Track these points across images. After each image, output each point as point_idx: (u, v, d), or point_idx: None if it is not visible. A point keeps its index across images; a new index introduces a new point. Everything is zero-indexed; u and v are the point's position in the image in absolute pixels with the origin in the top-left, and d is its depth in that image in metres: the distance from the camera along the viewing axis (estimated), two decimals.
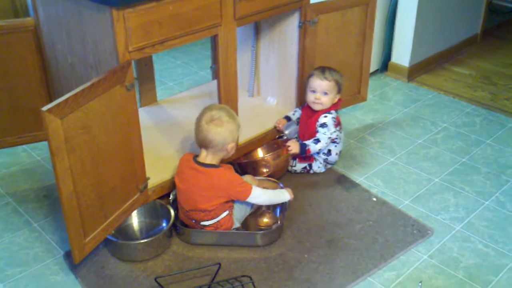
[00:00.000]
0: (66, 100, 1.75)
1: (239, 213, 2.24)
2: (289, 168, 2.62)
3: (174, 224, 2.21)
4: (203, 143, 2.15)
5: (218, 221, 2.18)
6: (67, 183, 1.84)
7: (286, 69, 2.79)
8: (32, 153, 2.81)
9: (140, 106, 2.89)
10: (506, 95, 3.41)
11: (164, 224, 2.25)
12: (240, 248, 2.19)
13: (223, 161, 2.27)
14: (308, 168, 2.63)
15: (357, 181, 2.60)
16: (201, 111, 2.20)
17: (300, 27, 2.60)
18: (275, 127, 2.70)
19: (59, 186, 1.82)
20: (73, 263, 2.03)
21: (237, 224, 2.24)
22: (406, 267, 2.11)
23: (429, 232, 2.28)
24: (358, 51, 2.88)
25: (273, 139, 2.72)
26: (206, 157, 2.17)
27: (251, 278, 2.02)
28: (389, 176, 2.64)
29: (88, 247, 2.02)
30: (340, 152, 2.68)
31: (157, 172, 2.30)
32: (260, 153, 2.70)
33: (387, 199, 2.47)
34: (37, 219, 2.37)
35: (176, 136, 2.64)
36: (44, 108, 1.70)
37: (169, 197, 2.31)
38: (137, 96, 2.68)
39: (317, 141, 2.54)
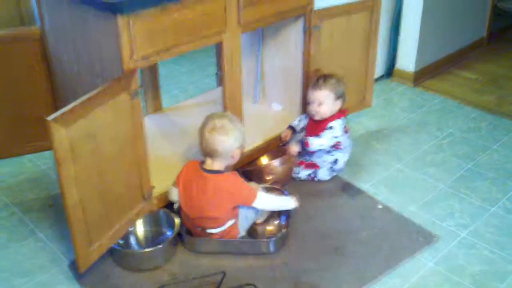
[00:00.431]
0: (71, 109, 1.76)
1: (245, 222, 2.24)
2: (294, 175, 2.62)
3: (179, 233, 2.21)
4: (209, 152, 2.15)
5: (224, 230, 2.18)
6: (72, 192, 1.84)
7: (291, 75, 2.79)
8: (38, 163, 2.82)
9: (145, 114, 2.89)
10: None
11: (169, 233, 2.25)
12: (245, 256, 2.18)
13: (228, 168, 2.27)
14: (313, 175, 2.62)
15: (362, 188, 2.59)
16: (203, 120, 2.19)
17: (304, 32, 2.60)
18: (280, 139, 2.69)
19: (64, 195, 1.83)
20: (78, 272, 2.03)
21: (242, 233, 2.24)
22: (412, 274, 2.10)
23: (434, 239, 2.27)
24: (363, 56, 2.88)
25: (277, 146, 2.72)
26: (213, 164, 2.17)
27: (256, 287, 2.02)
28: (394, 183, 2.63)
29: (93, 256, 2.03)
30: (347, 161, 2.67)
31: (162, 181, 2.30)
32: (264, 160, 2.69)
33: (392, 206, 2.46)
34: (42, 229, 2.37)
35: (182, 144, 2.64)
36: (49, 118, 1.70)
37: (173, 205, 2.31)
38: (142, 104, 2.68)
39: (319, 137, 2.53)
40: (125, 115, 2.01)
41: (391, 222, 2.36)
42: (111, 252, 2.14)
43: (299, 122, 2.73)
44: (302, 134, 2.70)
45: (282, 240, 2.22)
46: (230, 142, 2.14)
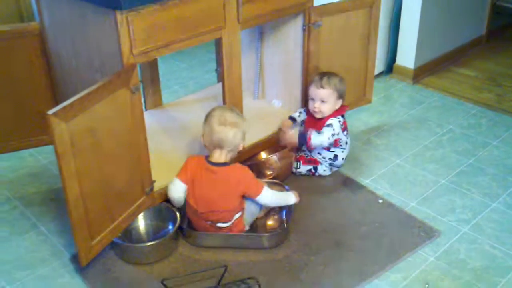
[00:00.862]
0: (71, 104, 1.76)
1: (249, 216, 2.25)
2: (294, 170, 2.62)
3: (180, 227, 2.21)
4: (218, 144, 2.16)
5: (232, 223, 2.18)
6: (73, 186, 1.85)
7: (291, 72, 2.79)
8: (39, 157, 2.82)
9: (145, 109, 2.90)
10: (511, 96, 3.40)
11: (170, 227, 2.25)
12: (246, 251, 2.19)
13: (232, 161, 2.27)
14: (313, 170, 2.62)
15: (363, 183, 2.59)
16: (210, 113, 2.20)
17: (304, 29, 2.60)
18: (279, 129, 2.69)
19: (65, 190, 1.83)
20: (80, 266, 2.03)
21: (247, 227, 2.25)
22: (413, 269, 2.10)
23: (435, 234, 2.27)
24: (363, 53, 2.88)
25: (277, 141, 2.71)
26: (220, 157, 2.18)
27: (257, 281, 2.02)
28: (395, 178, 2.64)
29: (95, 250, 2.03)
30: (347, 156, 2.67)
31: (163, 175, 2.29)
32: (264, 155, 2.69)
33: (393, 201, 2.47)
34: (44, 222, 2.38)
35: (182, 139, 2.64)
36: (50, 112, 1.70)
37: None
38: (142, 99, 2.68)
39: (320, 133, 2.53)
40: (125, 110, 2.01)
41: (392, 216, 2.37)
42: (113, 245, 2.15)
43: (300, 114, 2.73)
44: (302, 127, 2.70)
45: (283, 235, 2.23)
46: (240, 135, 2.18)
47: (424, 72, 3.66)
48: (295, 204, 2.31)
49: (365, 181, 2.61)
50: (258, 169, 2.48)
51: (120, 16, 1.89)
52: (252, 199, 2.20)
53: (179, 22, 2.07)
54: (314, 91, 2.55)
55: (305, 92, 2.71)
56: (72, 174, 1.83)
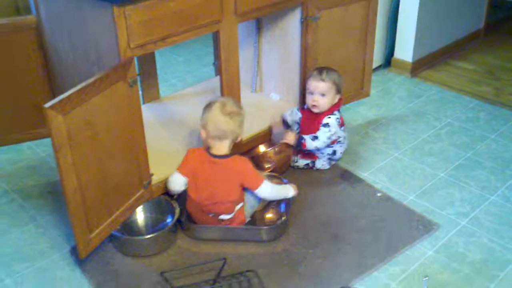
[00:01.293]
0: (69, 97, 1.76)
1: (249, 208, 2.25)
2: (292, 163, 2.62)
3: (179, 220, 2.21)
4: (220, 135, 2.16)
5: (234, 215, 2.19)
6: (70, 179, 1.84)
7: (289, 65, 2.78)
8: (37, 150, 2.82)
9: (143, 103, 2.89)
10: (510, 90, 3.40)
11: (169, 220, 2.24)
12: (245, 244, 2.19)
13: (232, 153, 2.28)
14: (311, 165, 2.62)
15: (361, 177, 2.59)
16: (210, 105, 2.20)
17: (302, 23, 2.59)
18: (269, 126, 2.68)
19: (63, 182, 1.83)
20: (79, 258, 2.03)
21: (247, 219, 2.26)
22: (412, 262, 2.11)
23: (434, 227, 2.27)
24: (361, 46, 2.87)
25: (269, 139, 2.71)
26: (221, 148, 2.18)
27: (256, 273, 2.02)
28: (393, 172, 2.64)
29: (94, 242, 2.03)
30: (345, 150, 2.67)
31: (161, 168, 2.29)
32: (262, 148, 2.69)
33: (391, 195, 2.46)
34: (42, 215, 2.37)
35: (180, 132, 2.64)
36: (47, 105, 1.70)
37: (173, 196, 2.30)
38: (140, 92, 2.68)
39: (315, 138, 2.53)
40: (123, 103, 2.00)
41: (390, 210, 2.37)
42: (112, 238, 2.15)
43: (292, 114, 2.70)
44: (296, 127, 2.69)
45: (281, 228, 2.23)
46: (242, 125, 2.21)
47: (422, 65, 3.65)
48: (293, 197, 2.31)
49: (364, 175, 2.61)
50: (256, 162, 2.48)
51: (117, 10, 1.88)
52: (251, 192, 2.20)
53: (176, 15, 2.06)
54: (313, 84, 2.54)
55: (303, 85, 2.71)
56: (70, 167, 1.82)
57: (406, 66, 3.58)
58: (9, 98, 2.40)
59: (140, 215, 2.28)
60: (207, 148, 2.20)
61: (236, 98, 2.42)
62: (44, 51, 2.38)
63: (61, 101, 1.73)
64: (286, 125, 2.68)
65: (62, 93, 1.77)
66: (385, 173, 2.63)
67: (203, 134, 2.20)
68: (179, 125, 2.71)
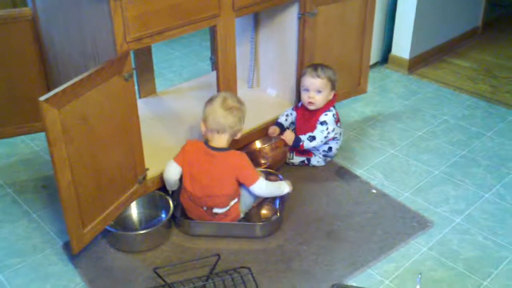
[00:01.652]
0: (64, 90, 1.75)
1: (244, 204, 2.24)
2: (287, 160, 2.61)
3: (173, 215, 2.21)
4: (220, 129, 2.16)
5: (228, 209, 2.18)
6: (65, 173, 1.83)
7: (286, 61, 2.77)
8: (31, 144, 2.81)
9: (139, 97, 2.88)
10: (506, 88, 3.40)
11: (163, 215, 2.24)
12: (239, 240, 2.18)
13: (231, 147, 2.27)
14: (306, 162, 2.62)
15: (356, 173, 2.59)
16: (212, 99, 2.21)
17: (299, 18, 2.58)
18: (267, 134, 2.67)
19: (57, 176, 1.82)
20: (71, 253, 2.02)
21: (241, 215, 2.25)
22: (406, 259, 2.11)
23: (429, 224, 2.27)
24: (358, 42, 2.87)
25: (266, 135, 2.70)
26: (220, 142, 2.18)
27: (250, 270, 2.01)
28: (389, 169, 2.63)
29: (87, 237, 2.02)
30: (340, 146, 2.67)
31: (156, 163, 2.29)
32: (258, 144, 2.68)
33: (386, 191, 2.46)
34: (36, 210, 2.36)
35: (176, 127, 2.63)
36: (42, 98, 1.69)
37: (169, 191, 2.30)
38: (136, 87, 2.67)
39: (313, 138, 2.52)
40: (118, 97, 1.99)
41: (385, 207, 2.36)
42: (105, 233, 2.14)
43: (287, 117, 2.68)
44: (293, 128, 2.68)
45: (276, 224, 2.22)
46: (242, 119, 2.22)
47: (419, 62, 3.65)
48: (288, 194, 2.30)
49: (359, 171, 2.61)
50: (252, 158, 2.47)
51: (113, 3, 1.86)
52: (247, 189, 2.19)
53: (173, 9, 2.05)
54: (309, 81, 2.54)
55: (300, 81, 2.70)
56: (64, 161, 1.82)
57: (403, 63, 3.58)
58: (3, 91, 2.39)
59: (134, 210, 2.27)
60: (206, 141, 2.20)
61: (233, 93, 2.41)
62: (40, 44, 2.37)
63: (56, 94, 1.72)
64: (282, 128, 2.65)
65: (57, 86, 1.76)
66: (381, 170, 2.62)
67: (203, 128, 2.20)
68: (175, 120, 2.70)
